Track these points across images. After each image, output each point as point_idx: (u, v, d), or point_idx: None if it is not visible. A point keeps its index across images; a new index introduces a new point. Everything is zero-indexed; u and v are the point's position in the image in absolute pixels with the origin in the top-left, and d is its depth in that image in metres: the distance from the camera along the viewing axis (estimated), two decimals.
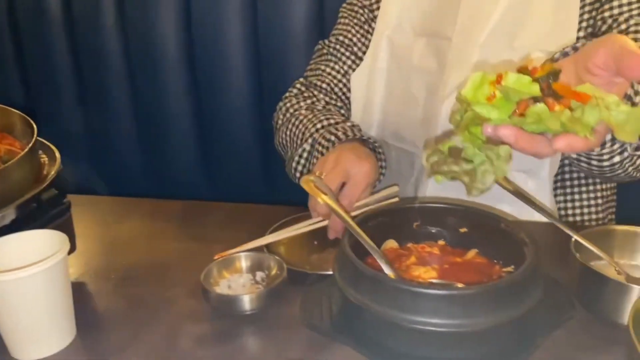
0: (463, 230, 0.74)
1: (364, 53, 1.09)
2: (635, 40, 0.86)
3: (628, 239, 0.75)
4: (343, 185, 0.83)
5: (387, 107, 1.07)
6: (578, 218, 1.03)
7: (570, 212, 1.03)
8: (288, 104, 1.10)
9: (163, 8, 1.49)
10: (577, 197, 1.02)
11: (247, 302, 0.71)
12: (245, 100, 1.53)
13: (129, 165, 1.63)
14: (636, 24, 0.87)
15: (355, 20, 1.11)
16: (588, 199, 1.02)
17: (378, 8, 1.09)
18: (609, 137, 0.75)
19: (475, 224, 0.73)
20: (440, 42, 0.98)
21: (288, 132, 1.05)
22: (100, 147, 1.64)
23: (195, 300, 0.75)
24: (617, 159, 0.78)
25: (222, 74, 1.52)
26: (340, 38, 1.12)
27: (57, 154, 0.78)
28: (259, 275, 0.77)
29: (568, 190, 1.02)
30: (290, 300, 0.73)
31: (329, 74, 1.11)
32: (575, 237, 0.72)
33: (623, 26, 0.87)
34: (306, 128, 0.99)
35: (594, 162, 0.81)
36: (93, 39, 1.56)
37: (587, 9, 0.90)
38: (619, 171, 0.81)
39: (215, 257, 0.76)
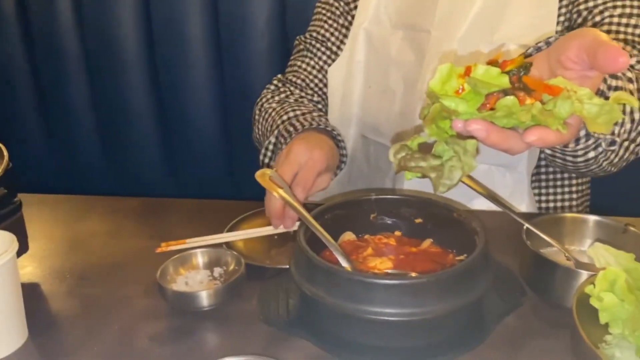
0: (418, 220, 0.75)
1: (339, 48, 1.09)
2: (609, 32, 0.88)
3: (577, 226, 0.77)
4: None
5: (366, 101, 1.07)
6: (551, 210, 1.05)
7: (545, 205, 1.05)
8: (263, 99, 1.09)
9: (121, 4, 1.47)
10: (551, 190, 1.04)
11: (204, 299, 0.70)
12: (207, 97, 1.52)
13: (90, 164, 1.60)
14: (610, 16, 0.88)
15: (329, 14, 1.11)
16: (562, 192, 1.05)
17: (355, 0, 1.08)
18: (583, 132, 0.73)
19: (430, 215, 0.74)
20: (418, 34, 0.97)
21: (260, 127, 1.04)
22: (60, 147, 1.61)
23: (151, 299, 0.74)
24: (591, 154, 0.77)
25: (184, 71, 1.50)
26: (314, 34, 1.11)
27: (5, 152, 0.76)
28: (217, 271, 0.76)
29: (543, 184, 1.04)
30: (248, 295, 0.73)
31: (305, 69, 1.11)
32: (526, 225, 0.74)
33: (597, 18, 0.88)
34: (274, 121, 0.99)
35: (569, 158, 0.80)
36: (49, 36, 1.52)
37: (565, 2, 0.91)
38: (594, 167, 0.81)
39: (157, 250, 0.76)
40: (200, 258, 0.77)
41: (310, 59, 1.11)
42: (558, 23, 0.91)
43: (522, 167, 0.98)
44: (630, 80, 0.73)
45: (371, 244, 0.74)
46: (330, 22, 1.10)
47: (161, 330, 0.69)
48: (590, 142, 0.74)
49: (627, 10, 0.88)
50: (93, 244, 0.89)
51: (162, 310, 0.72)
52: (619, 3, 0.88)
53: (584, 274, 0.65)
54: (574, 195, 1.05)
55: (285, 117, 0.97)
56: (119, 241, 0.89)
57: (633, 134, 0.76)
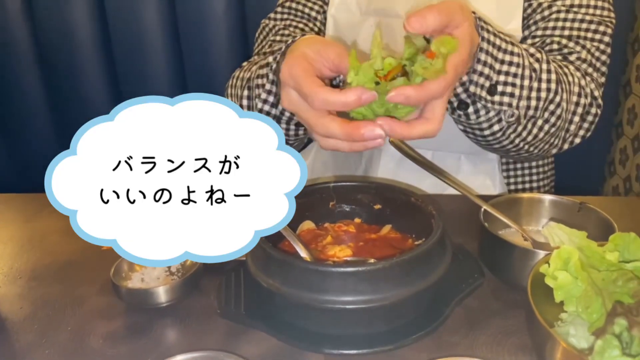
0: (377, 207, 0.75)
1: (317, 20, 1.03)
2: (554, 28, 0.89)
3: (534, 206, 0.77)
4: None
5: None
6: (521, 192, 1.07)
7: (513, 187, 1.07)
8: (232, 80, 0.99)
9: None
10: (519, 172, 1.06)
11: (160, 295, 0.68)
12: (167, 88, 1.48)
13: (46, 160, 1.54)
14: (558, 11, 0.89)
15: None
16: (530, 174, 1.07)
17: None
18: (480, 105, 0.76)
19: (388, 200, 0.74)
20: (390, 20, 0.94)
21: (230, 98, 0.93)
22: (14, 142, 1.55)
23: (107, 297, 0.72)
24: (496, 127, 0.80)
25: (142, 63, 1.45)
26: (287, 4, 1.05)
27: None
28: (174, 266, 0.75)
29: (511, 166, 1.06)
30: (206, 289, 0.72)
31: (281, 41, 1.01)
32: (484, 207, 0.74)
33: (546, 12, 0.90)
34: (243, 79, 0.89)
35: (478, 132, 0.83)
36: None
37: None
38: (505, 142, 0.84)
39: (103, 248, 0.74)
40: None
41: (285, 29, 1.02)
42: (524, 9, 0.91)
43: (492, 154, 0.99)
44: (537, 60, 0.78)
45: (330, 232, 0.74)
46: None
47: (116, 329, 0.67)
48: (491, 114, 0.78)
49: (571, 5, 0.89)
50: (46, 243, 0.86)
51: (117, 308, 0.70)
52: (567, 1, 0.89)
53: (541, 254, 0.65)
54: (541, 176, 1.07)
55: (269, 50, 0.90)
56: (73, 239, 0.84)
57: (540, 112, 0.79)
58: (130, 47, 1.44)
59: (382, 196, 0.74)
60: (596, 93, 0.87)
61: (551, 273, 0.57)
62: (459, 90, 0.75)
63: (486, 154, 0.98)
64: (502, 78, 0.75)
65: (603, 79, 0.90)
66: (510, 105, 0.77)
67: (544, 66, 0.79)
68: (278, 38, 1.01)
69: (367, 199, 0.75)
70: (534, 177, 1.06)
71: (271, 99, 0.79)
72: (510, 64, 0.75)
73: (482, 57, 0.72)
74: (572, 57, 0.88)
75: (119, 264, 0.72)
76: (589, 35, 0.89)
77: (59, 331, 0.67)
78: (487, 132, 0.82)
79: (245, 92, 0.85)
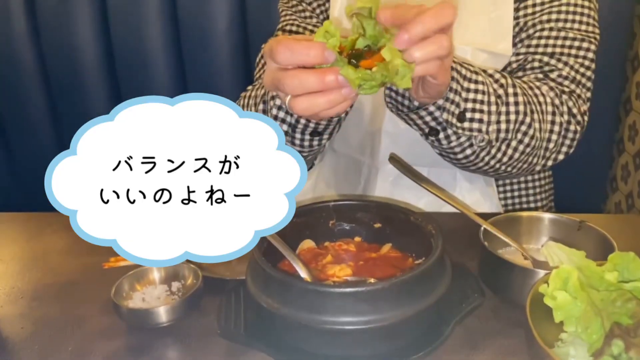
0: (377, 225, 0.75)
1: None
2: (537, 46, 0.90)
3: (533, 224, 0.78)
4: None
5: None
6: (517, 209, 1.07)
7: (510, 202, 1.07)
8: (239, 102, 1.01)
9: (80, 16, 1.43)
10: (515, 187, 1.06)
11: (160, 315, 0.69)
12: None
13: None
14: (541, 29, 0.91)
15: (297, 13, 1.07)
16: (527, 193, 1.07)
17: (318, 6, 1.06)
18: (450, 131, 0.78)
19: (388, 219, 0.74)
20: None
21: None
22: (17, 159, 1.56)
23: (107, 317, 0.72)
24: (468, 151, 0.82)
25: (145, 83, 1.47)
26: (287, 28, 1.06)
27: None
28: (175, 285, 0.75)
29: (508, 187, 1.06)
30: (207, 309, 0.72)
31: None
32: (484, 225, 0.74)
33: (531, 30, 0.91)
34: (257, 96, 0.90)
35: (452, 156, 0.85)
36: (5, 50, 1.47)
37: (521, 13, 0.93)
38: (480, 164, 0.85)
39: (105, 266, 0.74)
40: (156, 273, 0.75)
41: None
42: (514, 27, 0.92)
43: None
44: (501, 85, 0.80)
45: (331, 251, 0.74)
46: (300, 20, 1.06)
47: (117, 349, 0.67)
48: (462, 139, 0.80)
49: (556, 21, 0.90)
50: (47, 262, 0.87)
51: (118, 328, 0.70)
52: (552, 16, 0.90)
53: (541, 273, 0.65)
54: (538, 194, 1.07)
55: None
56: (74, 258, 0.87)
57: (511, 134, 0.81)
58: (134, 65, 1.46)
59: (381, 215, 0.75)
60: (575, 110, 0.88)
61: (550, 293, 0.57)
62: (428, 118, 0.77)
63: None
64: (469, 105, 0.77)
65: (589, 94, 0.91)
66: (480, 130, 0.79)
67: (510, 90, 0.81)
68: None
69: (367, 218, 0.75)
70: (530, 192, 1.06)
71: (285, 106, 0.79)
72: (476, 91, 0.77)
73: (454, 85, 0.74)
74: (554, 75, 0.89)
75: (120, 283, 0.72)
76: (572, 52, 0.90)
77: (60, 351, 0.67)
78: (460, 156, 0.83)
79: (261, 107, 0.86)
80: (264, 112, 0.85)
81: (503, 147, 0.83)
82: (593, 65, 0.91)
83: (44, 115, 1.50)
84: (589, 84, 0.91)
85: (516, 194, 1.06)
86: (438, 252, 0.62)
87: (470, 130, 0.78)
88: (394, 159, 0.84)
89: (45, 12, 1.44)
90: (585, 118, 0.90)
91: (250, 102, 0.89)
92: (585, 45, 0.90)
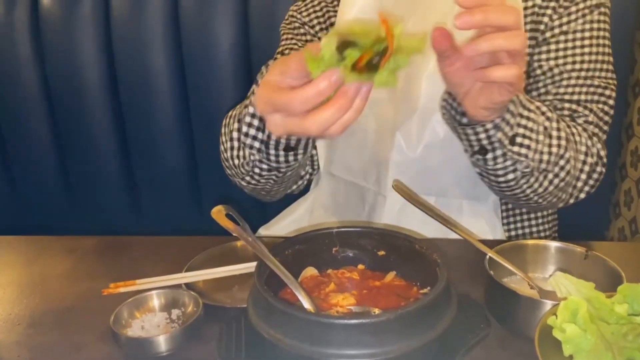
0: (381, 253, 0.74)
1: None
2: (564, 93, 0.93)
3: (539, 253, 0.77)
4: None
5: (334, 140, 1.04)
6: (521, 238, 1.06)
7: (514, 232, 1.06)
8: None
9: (83, 37, 1.44)
10: (518, 217, 1.06)
11: (160, 344, 0.67)
12: (172, 128, 1.49)
13: (49, 200, 1.54)
14: (568, 78, 0.93)
15: (298, 37, 1.08)
16: (529, 221, 1.07)
17: (321, 30, 1.07)
18: (500, 152, 0.80)
19: (392, 247, 0.73)
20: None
21: (222, 137, 0.94)
22: (18, 182, 1.55)
23: (107, 345, 0.70)
24: (510, 176, 0.84)
25: (148, 103, 1.46)
26: (287, 52, 1.07)
27: None
28: (175, 313, 0.74)
29: (511, 212, 1.05)
30: (207, 337, 0.70)
31: None
32: (489, 254, 0.73)
33: (557, 78, 0.93)
34: (234, 116, 0.90)
35: (492, 178, 0.86)
36: (9, 71, 1.48)
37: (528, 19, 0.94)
38: (517, 190, 0.87)
39: (105, 292, 0.73)
40: (156, 300, 0.74)
41: None
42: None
43: (491, 199, 0.99)
44: (548, 118, 0.83)
45: (334, 279, 0.72)
46: (300, 43, 1.07)
47: None
48: (507, 162, 0.81)
49: (582, 73, 0.93)
50: (46, 287, 0.85)
51: (117, 357, 0.69)
52: (576, 66, 0.92)
53: (548, 304, 0.64)
54: (541, 225, 1.06)
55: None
56: (73, 284, 0.85)
57: (551, 166, 0.85)
58: (137, 87, 1.46)
59: (385, 242, 0.73)
60: (602, 153, 0.92)
61: (559, 325, 0.56)
62: (482, 136, 0.78)
63: (487, 199, 0.98)
64: (521, 130, 0.79)
65: (605, 137, 0.95)
66: (526, 156, 0.81)
67: (554, 124, 0.84)
68: None
69: (370, 245, 0.74)
70: (533, 222, 1.07)
71: (256, 122, 0.79)
72: (528, 119, 0.79)
73: (511, 107, 0.76)
74: (580, 120, 0.93)
75: (119, 310, 0.71)
76: (595, 98, 0.93)
77: None
78: (501, 179, 0.84)
79: (236, 125, 0.86)
80: (239, 130, 0.85)
81: (541, 178, 0.85)
82: (612, 112, 0.95)
83: (46, 137, 1.50)
84: (606, 128, 0.95)
85: (519, 224, 1.05)
86: (444, 282, 0.61)
87: (519, 154, 0.80)
88: (398, 187, 0.83)
89: (49, 34, 1.45)
90: (606, 161, 0.93)
91: (230, 122, 0.89)
92: (607, 92, 0.94)
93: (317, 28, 1.08)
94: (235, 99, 1.44)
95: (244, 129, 0.80)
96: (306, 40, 1.08)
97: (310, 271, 0.74)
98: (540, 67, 0.94)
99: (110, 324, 0.69)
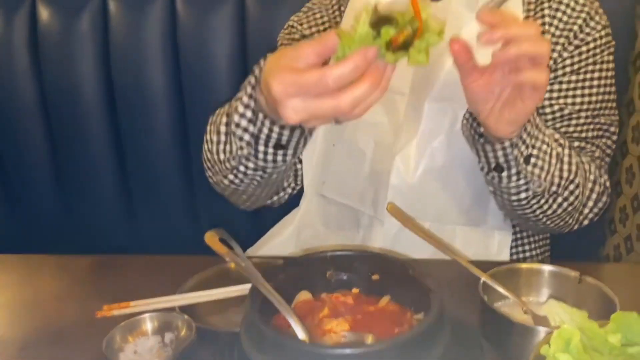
0: (375, 277, 0.74)
1: None
2: (574, 131, 0.95)
3: (533, 276, 0.76)
4: None
5: (328, 160, 1.04)
6: (514, 257, 1.06)
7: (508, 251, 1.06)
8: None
9: (81, 52, 1.44)
10: (512, 243, 1.06)
11: None
12: (169, 142, 1.49)
13: (47, 218, 1.53)
14: (577, 117, 0.94)
15: None
16: (522, 245, 1.07)
17: None
18: (514, 170, 0.82)
19: (386, 271, 0.73)
20: (394, 96, 0.96)
21: (207, 136, 0.92)
22: (15, 199, 1.54)
23: None
24: (522, 195, 0.86)
25: (145, 117, 1.46)
26: None
27: None
28: (168, 336, 0.73)
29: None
30: None
31: None
32: (483, 278, 0.73)
33: (565, 117, 0.95)
34: (222, 113, 0.88)
35: (505, 196, 0.88)
36: (7, 87, 1.48)
37: None
38: (527, 210, 0.89)
39: (98, 315, 0.73)
40: (149, 323, 0.74)
41: None
42: None
43: (485, 225, 1.00)
44: (560, 145, 0.86)
45: (328, 303, 0.72)
46: None
47: None
48: (521, 182, 0.83)
49: (589, 112, 0.95)
50: (38, 309, 0.85)
51: None
52: (583, 106, 0.95)
53: (542, 331, 0.64)
54: (534, 249, 1.07)
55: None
56: (67, 305, 0.85)
57: (561, 189, 0.87)
58: (135, 104, 1.45)
59: (379, 266, 0.73)
60: (607, 184, 0.95)
61: (552, 355, 0.56)
62: (500, 153, 0.80)
63: (480, 225, 0.99)
64: (535, 151, 0.81)
65: (606, 166, 0.99)
66: (539, 177, 0.83)
67: (566, 151, 0.87)
68: None
69: (364, 269, 0.74)
70: (527, 247, 1.08)
71: (249, 113, 0.78)
72: (542, 141, 0.82)
73: (528, 127, 0.79)
74: (587, 155, 0.95)
75: (111, 334, 0.71)
76: (601, 133, 0.96)
77: None
78: (513, 198, 0.86)
79: (224, 119, 0.85)
80: (227, 124, 0.83)
81: (550, 201, 0.88)
82: (614, 146, 0.99)
83: (43, 153, 1.50)
84: (608, 160, 0.99)
85: (513, 243, 1.05)
86: (437, 310, 0.60)
87: (532, 174, 0.83)
88: (393, 209, 0.83)
89: (47, 49, 1.45)
90: (610, 192, 0.97)
91: (219, 118, 0.88)
92: (612, 129, 0.97)
93: (316, 36, 1.07)
94: None
95: (236, 118, 0.78)
96: None
97: (304, 295, 0.74)
98: (551, 105, 0.95)
99: (103, 349, 0.68)
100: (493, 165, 0.82)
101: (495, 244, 1.01)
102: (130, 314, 0.77)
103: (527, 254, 1.08)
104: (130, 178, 1.51)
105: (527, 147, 0.80)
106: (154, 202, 1.52)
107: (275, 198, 1.10)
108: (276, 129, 0.77)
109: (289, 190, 1.11)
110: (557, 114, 0.95)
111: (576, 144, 0.95)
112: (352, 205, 1.03)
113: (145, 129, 1.46)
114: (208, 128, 0.92)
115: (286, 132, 0.77)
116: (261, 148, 0.80)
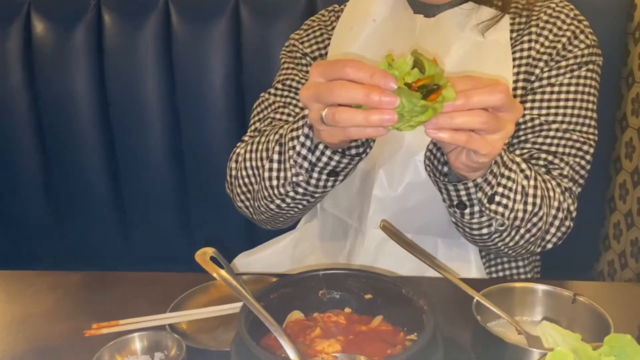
0: (368, 296, 0.73)
1: None
2: (543, 144, 0.94)
3: (527, 296, 0.76)
4: None
5: None
6: (501, 274, 1.06)
7: (495, 275, 1.06)
8: (239, 150, 0.98)
9: (75, 67, 1.43)
10: (499, 260, 1.06)
11: None
12: (162, 157, 1.48)
13: (38, 231, 1.52)
14: (548, 130, 0.94)
15: (299, 67, 1.07)
16: (509, 261, 1.07)
17: (320, 56, 1.06)
18: (477, 208, 0.82)
19: (379, 290, 0.72)
20: None
21: (249, 162, 0.92)
22: (7, 214, 1.53)
23: None
24: (485, 231, 0.86)
25: (140, 133, 1.46)
26: (288, 82, 1.06)
27: None
28: (158, 356, 0.72)
29: (492, 255, 1.05)
30: None
31: (280, 119, 1.02)
32: (476, 297, 0.72)
33: (537, 128, 0.94)
34: (270, 141, 0.89)
35: (467, 229, 0.88)
36: (0, 97, 1.47)
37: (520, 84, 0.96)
38: (489, 242, 0.89)
39: (87, 334, 0.72)
40: (138, 343, 0.73)
41: (285, 107, 1.03)
42: None
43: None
44: (526, 176, 0.85)
45: (320, 323, 0.71)
46: (302, 74, 1.06)
47: None
48: (483, 218, 0.84)
49: (563, 125, 0.94)
50: (26, 326, 0.83)
51: None
52: (557, 118, 0.94)
53: (535, 353, 0.63)
54: (522, 267, 1.07)
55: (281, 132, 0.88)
56: (55, 323, 0.84)
57: (524, 223, 0.86)
58: (129, 119, 1.45)
59: (372, 286, 0.73)
60: (572, 208, 0.93)
61: None
62: (462, 192, 0.80)
63: (461, 238, 0.98)
64: (500, 190, 0.81)
65: (579, 190, 0.96)
66: (502, 215, 0.83)
67: (532, 182, 0.85)
68: (278, 116, 1.03)
69: (357, 288, 0.73)
70: (513, 264, 1.07)
71: (308, 143, 0.81)
72: (508, 178, 0.81)
73: (494, 168, 0.78)
74: (555, 173, 0.93)
75: (100, 354, 0.70)
76: (573, 152, 0.94)
77: None
78: (475, 232, 0.87)
79: (277, 148, 0.85)
80: (280, 153, 0.84)
81: (512, 233, 0.87)
82: (588, 167, 0.96)
83: (35, 166, 1.49)
84: (582, 181, 0.96)
85: (499, 260, 1.05)
86: (430, 331, 0.60)
87: (495, 212, 0.82)
88: (386, 227, 0.83)
89: (42, 64, 1.45)
90: (575, 215, 0.95)
91: (270, 145, 0.87)
92: (585, 148, 0.95)
93: (317, 54, 1.08)
94: (228, 131, 1.43)
95: (297, 147, 0.81)
96: (306, 72, 1.07)
97: (296, 315, 0.73)
98: (523, 116, 0.94)
99: None
100: (455, 202, 0.82)
101: (476, 256, 1.01)
102: (119, 332, 0.76)
103: (520, 270, 1.07)
104: (123, 192, 1.50)
105: (491, 187, 0.80)
106: (146, 217, 1.51)
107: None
108: (336, 157, 0.80)
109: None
110: (529, 124, 0.94)
111: (544, 156, 0.93)
112: (343, 218, 1.04)
113: (139, 143, 1.45)
114: (246, 156, 0.92)
115: (344, 161, 0.80)
116: (315, 175, 0.83)
